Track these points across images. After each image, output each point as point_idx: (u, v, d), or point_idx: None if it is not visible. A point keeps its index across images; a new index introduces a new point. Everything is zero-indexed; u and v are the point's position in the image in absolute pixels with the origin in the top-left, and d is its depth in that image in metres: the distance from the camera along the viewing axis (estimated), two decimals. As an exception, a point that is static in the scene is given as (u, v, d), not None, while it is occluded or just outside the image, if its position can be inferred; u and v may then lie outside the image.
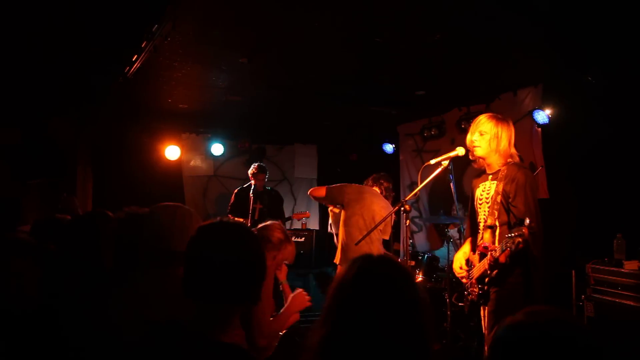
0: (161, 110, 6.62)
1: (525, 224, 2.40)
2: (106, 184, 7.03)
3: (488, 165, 2.92)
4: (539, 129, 5.13)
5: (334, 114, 6.99)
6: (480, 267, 2.75)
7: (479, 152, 2.88)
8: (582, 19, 3.54)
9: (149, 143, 7.17)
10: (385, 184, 4.63)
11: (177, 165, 7.54)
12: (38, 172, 7.64)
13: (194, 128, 7.59)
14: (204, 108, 6.54)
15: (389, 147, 7.43)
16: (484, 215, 2.83)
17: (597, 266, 4.05)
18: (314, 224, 8.21)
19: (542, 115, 4.98)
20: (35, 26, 3.69)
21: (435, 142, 6.59)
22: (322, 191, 4.50)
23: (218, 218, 1.54)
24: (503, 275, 2.65)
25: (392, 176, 7.21)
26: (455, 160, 3.08)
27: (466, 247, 3.05)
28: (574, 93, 4.74)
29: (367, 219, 4.19)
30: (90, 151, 7.13)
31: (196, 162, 7.86)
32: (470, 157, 2.97)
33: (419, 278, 5.36)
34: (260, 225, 2.70)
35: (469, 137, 2.93)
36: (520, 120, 5.27)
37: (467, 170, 6.23)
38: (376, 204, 4.29)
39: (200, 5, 3.25)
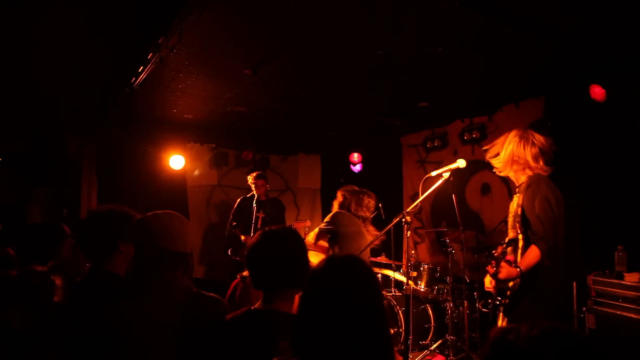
0: (166, 120, 6.68)
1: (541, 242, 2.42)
2: (111, 193, 7.07)
3: (512, 179, 2.99)
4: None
5: (337, 124, 7.04)
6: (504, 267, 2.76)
7: (500, 172, 2.98)
8: (586, 31, 3.58)
9: (154, 152, 7.22)
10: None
11: (181, 174, 7.58)
12: (43, 181, 7.72)
13: (199, 138, 7.64)
14: (208, 118, 6.60)
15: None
16: (509, 227, 2.88)
17: (599, 278, 4.05)
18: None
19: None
20: (43, 38, 3.76)
21: (438, 153, 6.63)
22: (324, 248, 4.43)
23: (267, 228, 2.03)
24: (513, 290, 2.65)
25: (395, 187, 7.30)
26: (457, 172, 3.11)
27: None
28: (575, 104, 4.78)
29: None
30: (95, 160, 7.18)
31: (200, 171, 7.91)
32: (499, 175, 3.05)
33: (421, 289, 5.37)
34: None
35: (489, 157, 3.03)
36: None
37: (470, 182, 6.27)
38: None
39: (207, 18, 3.30)
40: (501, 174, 2.97)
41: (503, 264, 2.62)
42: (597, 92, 4.38)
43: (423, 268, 5.47)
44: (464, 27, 3.56)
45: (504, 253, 2.69)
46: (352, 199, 4.37)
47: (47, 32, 3.66)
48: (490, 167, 3.01)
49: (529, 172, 2.84)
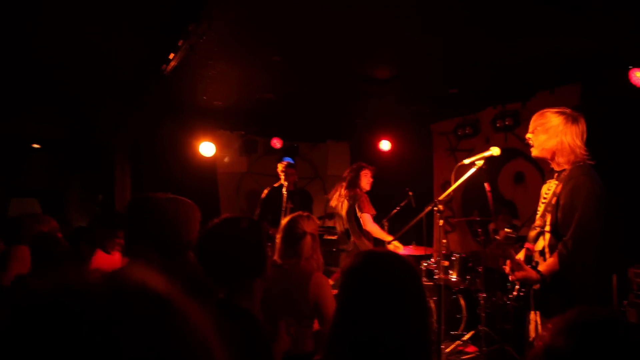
0: (196, 107, 6.74)
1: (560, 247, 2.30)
2: (143, 179, 7.20)
3: (552, 163, 2.62)
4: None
5: (366, 111, 6.97)
6: (522, 269, 2.55)
7: (533, 152, 2.62)
8: (625, 12, 3.42)
9: (185, 139, 7.29)
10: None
11: (212, 161, 7.65)
12: (80, 167, 7.93)
13: (228, 125, 7.68)
14: (237, 105, 6.62)
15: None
16: (538, 215, 2.64)
17: (640, 271, 3.92)
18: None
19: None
20: (78, 28, 3.82)
21: (469, 141, 6.49)
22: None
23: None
24: (551, 291, 2.50)
25: (425, 175, 7.20)
26: (490, 160, 2.99)
27: (520, 253, 2.82)
28: (614, 90, 4.58)
29: None
30: (128, 147, 7.32)
31: (230, 158, 7.96)
32: (532, 156, 2.69)
33: (453, 279, 5.29)
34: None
35: (527, 134, 2.67)
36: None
37: (502, 170, 6.12)
38: None
39: (236, 6, 3.29)
40: (537, 156, 2.61)
41: (524, 266, 2.47)
42: (639, 77, 4.18)
43: (455, 257, 5.38)
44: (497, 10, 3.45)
45: (510, 251, 2.49)
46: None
47: (82, 23, 3.72)
48: (524, 154, 2.85)
49: (572, 158, 2.50)
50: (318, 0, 3.34)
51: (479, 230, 5.20)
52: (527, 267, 2.49)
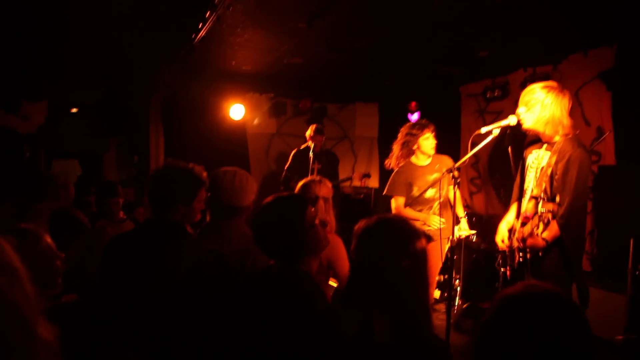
0: (226, 72, 6.87)
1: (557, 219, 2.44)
2: (176, 141, 7.48)
3: (542, 134, 2.87)
4: (609, 92, 4.90)
5: (395, 73, 6.96)
6: (520, 236, 2.79)
7: (525, 124, 2.84)
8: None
9: (215, 102, 7.47)
10: None
11: (242, 123, 7.83)
12: (117, 130, 8.27)
13: (257, 88, 7.80)
14: (266, 70, 6.72)
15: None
16: (530, 183, 2.84)
17: (659, 235, 3.95)
18: (373, 183, 8.33)
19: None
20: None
21: (498, 103, 6.44)
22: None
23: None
24: (542, 250, 2.68)
25: (453, 138, 7.19)
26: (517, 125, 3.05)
27: (510, 216, 3.06)
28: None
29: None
30: (160, 110, 7.57)
31: (259, 120, 8.12)
32: (521, 129, 2.95)
33: (473, 239, 5.41)
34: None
35: (517, 110, 2.90)
36: (589, 83, 5.07)
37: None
38: None
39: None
40: (528, 129, 2.86)
41: (533, 232, 2.64)
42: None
43: (476, 219, 5.49)
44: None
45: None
46: None
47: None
48: None
49: (560, 130, 2.75)
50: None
51: (502, 192, 5.27)
52: (535, 235, 2.63)
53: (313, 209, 2.00)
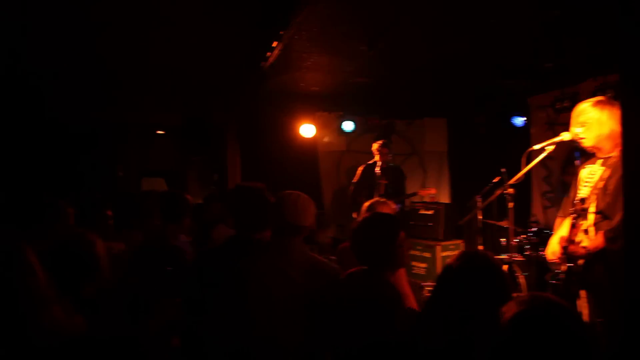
0: (295, 93, 7.25)
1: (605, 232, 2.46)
2: (252, 160, 7.94)
3: (599, 149, 2.86)
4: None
5: (462, 87, 6.99)
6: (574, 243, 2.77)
7: (586, 143, 2.85)
8: None
9: (287, 122, 7.86)
10: None
11: (312, 141, 8.15)
12: (199, 150, 8.96)
13: (326, 107, 8.09)
14: (333, 89, 7.02)
15: (518, 120, 7.21)
16: (583, 198, 2.81)
17: None
18: (444, 198, 8.29)
19: None
20: (191, 35, 4.45)
21: (568, 114, 6.22)
22: None
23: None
24: (595, 264, 2.67)
25: (524, 151, 7.04)
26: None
27: (562, 230, 3.05)
28: None
29: None
30: (237, 131, 8.10)
31: (330, 138, 8.38)
32: (580, 147, 2.96)
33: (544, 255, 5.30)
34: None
35: (572, 129, 2.91)
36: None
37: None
38: None
39: (321, 9, 3.66)
40: (588, 146, 2.84)
41: (575, 240, 2.64)
42: None
43: (546, 234, 5.39)
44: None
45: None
46: None
47: (194, 31, 4.35)
48: None
49: (618, 142, 2.68)
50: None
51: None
52: (576, 242, 2.67)
53: (404, 234, 2.33)
